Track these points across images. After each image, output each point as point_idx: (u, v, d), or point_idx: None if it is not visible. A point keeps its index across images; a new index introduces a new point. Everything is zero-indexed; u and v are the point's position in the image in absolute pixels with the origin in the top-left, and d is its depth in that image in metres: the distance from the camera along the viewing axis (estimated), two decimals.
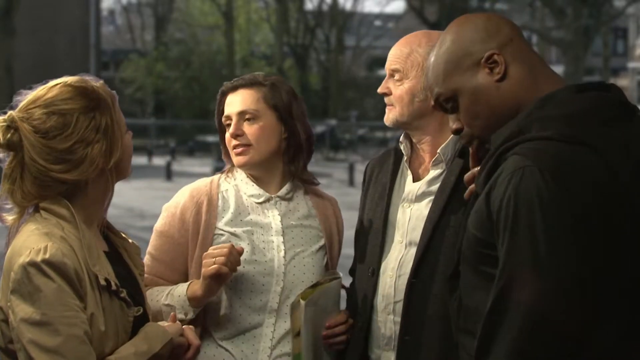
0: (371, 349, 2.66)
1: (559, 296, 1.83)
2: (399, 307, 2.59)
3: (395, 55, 2.64)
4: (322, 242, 2.73)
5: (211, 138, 25.36)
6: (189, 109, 36.29)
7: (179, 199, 2.70)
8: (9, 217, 2.15)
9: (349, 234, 2.81)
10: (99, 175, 2.14)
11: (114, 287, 2.10)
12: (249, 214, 2.68)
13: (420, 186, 2.66)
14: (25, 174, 2.10)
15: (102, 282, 2.07)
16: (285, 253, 2.65)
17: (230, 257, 2.49)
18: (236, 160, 2.68)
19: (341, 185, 16.20)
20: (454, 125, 2.12)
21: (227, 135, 2.69)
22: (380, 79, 2.75)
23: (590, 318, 1.86)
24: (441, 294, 2.51)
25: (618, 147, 1.92)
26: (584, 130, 1.91)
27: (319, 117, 31.07)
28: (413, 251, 2.60)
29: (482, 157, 2.10)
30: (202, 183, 2.73)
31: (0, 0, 20.17)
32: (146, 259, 2.69)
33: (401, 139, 2.72)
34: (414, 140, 2.70)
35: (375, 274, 2.65)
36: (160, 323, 2.24)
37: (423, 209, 2.62)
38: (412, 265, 2.57)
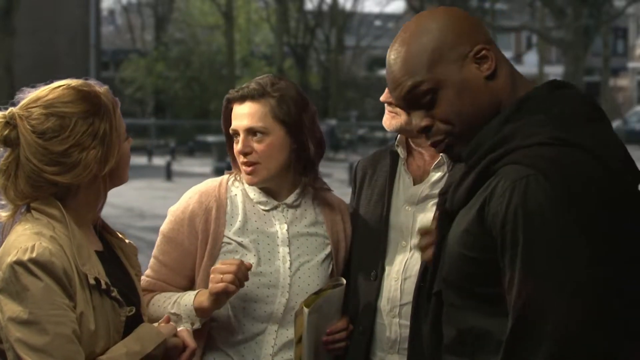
0: (374, 352, 2.66)
1: (587, 305, 1.76)
2: (405, 310, 2.59)
3: None
4: (328, 249, 2.71)
5: (211, 138, 25.32)
6: (189, 109, 36.25)
7: (187, 203, 2.66)
8: (3, 214, 2.15)
9: None
10: (92, 180, 2.13)
11: (103, 287, 2.10)
12: (255, 221, 2.66)
13: (422, 189, 2.65)
14: (19, 172, 2.10)
15: (92, 282, 2.07)
16: (290, 264, 2.63)
17: (238, 273, 2.46)
18: (246, 178, 2.64)
19: (341, 186, 16.18)
20: (423, 122, 1.95)
21: (235, 148, 2.65)
22: (380, 79, 2.75)
23: (615, 323, 1.79)
24: None
25: (603, 143, 1.88)
26: (571, 131, 1.86)
27: (319, 117, 30.92)
28: (418, 254, 2.59)
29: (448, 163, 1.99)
30: (210, 186, 2.69)
31: (0, 0, 20.16)
32: (152, 263, 2.68)
33: (397, 142, 2.72)
34: (413, 144, 2.70)
35: (378, 277, 2.64)
36: (154, 324, 2.23)
37: (427, 211, 2.62)
38: (420, 269, 2.57)
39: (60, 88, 2.14)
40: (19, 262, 2.00)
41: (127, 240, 2.34)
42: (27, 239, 2.04)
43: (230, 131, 2.66)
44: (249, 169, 2.61)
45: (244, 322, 2.60)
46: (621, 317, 1.80)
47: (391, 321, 2.62)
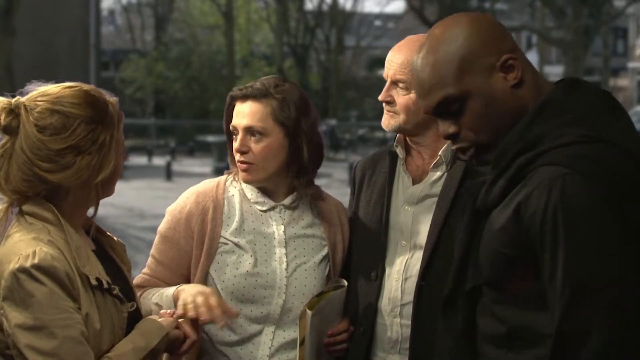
0: (374, 352, 2.67)
1: (629, 298, 1.82)
2: (406, 310, 2.60)
3: (400, 64, 2.62)
4: (325, 251, 2.71)
5: (211, 138, 25.30)
6: (189, 109, 36.23)
7: (185, 203, 2.67)
8: None
9: None
10: (82, 186, 2.13)
11: (105, 286, 2.10)
12: (252, 222, 2.66)
13: (422, 188, 2.66)
14: (12, 162, 2.10)
15: (94, 282, 2.07)
16: (287, 265, 2.63)
17: (213, 312, 2.37)
18: (241, 176, 2.65)
19: (341, 185, 16.18)
20: (450, 129, 2.02)
21: (233, 145, 2.66)
22: (380, 79, 2.74)
23: None
24: None
25: (630, 138, 1.94)
26: (599, 128, 1.91)
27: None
28: (418, 254, 2.61)
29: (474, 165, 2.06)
30: (208, 186, 2.70)
31: (0, 0, 20.16)
32: (149, 262, 2.69)
33: (395, 142, 2.72)
34: (412, 144, 2.70)
35: (378, 277, 2.64)
36: (154, 317, 2.25)
37: (426, 211, 2.63)
38: (420, 268, 2.58)
39: (72, 88, 2.14)
40: (21, 269, 1.99)
41: (115, 238, 2.35)
42: (26, 245, 2.04)
43: (230, 128, 2.66)
44: (245, 166, 2.63)
45: (240, 323, 2.60)
46: None
47: (392, 321, 2.63)
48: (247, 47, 39.43)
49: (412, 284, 2.60)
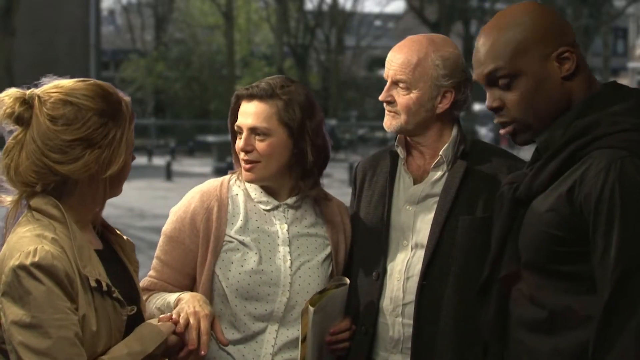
0: (376, 352, 2.67)
1: None
2: (408, 309, 2.60)
3: (401, 64, 2.62)
4: (328, 250, 2.72)
5: (211, 138, 25.31)
6: (189, 109, 36.25)
7: (189, 202, 2.67)
8: (7, 199, 2.15)
9: None
10: (91, 181, 2.13)
11: (105, 288, 2.10)
12: (256, 220, 2.67)
13: (423, 188, 2.66)
14: (23, 152, 2.10)
15: (93, 284, 2.07)
16: (291, 263, 2.63)
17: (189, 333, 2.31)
18: (244, 175, 2.65)
19: (341, 185, 16.19)
20: (494, 102, 2.14)
21: (237, 144, 2.66)
22: (380, 79, 2.75)
23: None
24: (453, 295, 2.54)
25: None
26: None
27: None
28: (420, 253, 2.61)
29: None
30: (212, 186, 2.71)
31: (0, 0, 20.17)
32: (155, 264, 2.69)
33: (396, 142, 2.73)
34: (413, 144, 2.71)
35: (380, 277, 2.65)
36: (153, 321, 2.23)
37: (427, 210, 2.64)
38: (422, 268, 2.58)
39: (86, 82, 2.15)
40: (21, 266, 2.00)
41: (124, 237, 2.34)
42: (29, 241, 2.04)
43: (235, 127, 2.67)
44: (248, 166, 2.63)
45: (244, 321, 2.61)
46: None
47: (394, 321, 2.63)
48: (247, 47, 39.44)
49: (413, 283, 2.60)
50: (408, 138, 2.71)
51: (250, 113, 2.61)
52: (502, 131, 2.20)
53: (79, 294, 2.04)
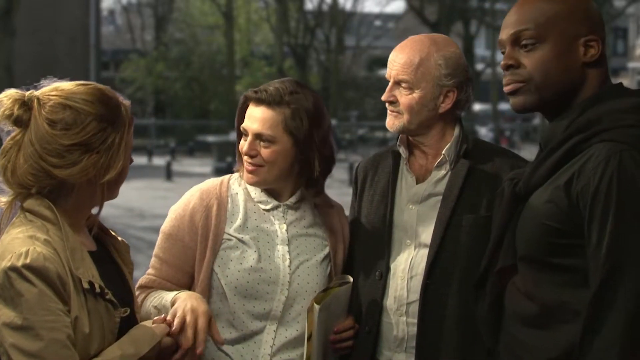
0: (380, 351, 2.66)
1: None
2: (412, 308, 2.60)
3: (403, 64, 2.62)
4: (326, 250, 2.71)
5: (211, 138, 25.33)
6: (189, 109, 36.26)
7: (189, 200, 2.67)
8: (2, 199, 2.14)
9: None
10: (88, 185, 2.11)
11: (97, 290, 2.08)
12: (255, 219, 2.66)
13: (426, 187, 2.66)
14: (20, 154, 2.09)
15: (86, 286, 2.06)
16: (290, 262, 2.63)
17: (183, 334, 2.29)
18: (246, 177, 2.64)
19: (341, 185, 16.21)
20: (510, 60, 2.16)
21: (242, 145, 2.64)
22: (380, 79, 2.75)
23: None
24: (457, 293, 2.54)
25: None
26: None
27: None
28: (423, 252, 2.61)
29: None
30: (212, 185, 2.70)
31: (0, 0, 20.16)
32: (154, 262, 2.68)
33: (398, 141, 2.72)
34: (415, 143, 2.71)
35: (383, 276, 2.65)
36: (147, 323, 2.22)
37: (430, 210, 2.64)
38: (425, 267, 2.59)
39: (86, 86, 2.13)
40: (12, 268, 1.98)
41: (119, 238, 2.33)
42: (21, 243, 2.02)
43: (241, 129, 2.66)
44: (252, 168, 2.62)
45: (242, 319, 2.60)
46: None
47: (398, 320, 2.63)
48: (247, 47, 39.44)
49: (417, 282, 2.60)
50: (410, 138, 2.71)
51: (256, 118, 2.60)
52: (506, 88, 2.21)
53: (71, 296, 2.03)
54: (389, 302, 2.64)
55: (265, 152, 2.60)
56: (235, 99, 30.08)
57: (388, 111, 2.68)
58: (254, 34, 40.89)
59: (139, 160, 23.15)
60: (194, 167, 23.64)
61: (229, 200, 2.67)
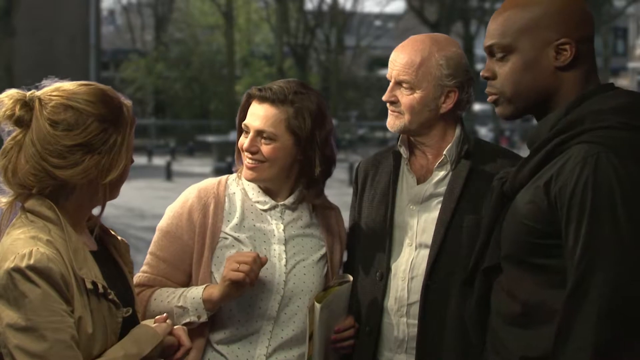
0: (380, 352, 2.66)
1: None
2: (413, 309, 2.60)
3: (404, 64, 2.62)
4: (323, 251, 2.71)
5: (211, 138, 25.34)
6: (189, 109, 36.29)
7: (187, 198, 2.67)
8: (2, 200, 2.13)
9: None
10: (89, 186, 2.10)
11: (101, 290, 2.08)
12: (252, 219, 2.66)
13: (427, 188, 2.66)
14: (21, 154, 2.08)
15: (89, 286, 2.05)
16: (286, 262, 2.63)
17: (253, 265, 2.46)
18: (245, 173, 2.65)
19: (341, 185, 16.21)
20: (486, 72, 2.19)
21: (243, 141, 2.65)
22: (380, 79, 2.76)
23: None
24: (458, 294, 2.54)
25: None
26: (635, 118, 2.02)
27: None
28: (424, 253, 2.61)
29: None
30: (209, 184, 2.70)
31: (0, 0, 20.17)
32: (149, 259, 2.67)
33: (399, 142, 2.72)
34: (416, 144, 2.70)
35: (384, 277, 2.64)
36: (148, 322, 2.21)
37: (431, 210, 2.63)
38: (426, 267, 2.58)
39: (88, 86, 2.12)
40: (16, 269, 1.97)
41: (119, 238, 2.33)
42: (23, 243, 2.01)
43: (243, 126, 2.66)
44: (252, 164, 2.62)
45: (238, 318, 2.60)
46: None
47: (399, 320, 2.63)
48: (247, 47, 39.44)
49: (418, 283, 2.60)
50: (411, 138, 2.70)
51: (259, 115, 2.60)
52: (488, 99, 2.23)
53: (74, 297, 2.02)
54: (390, 302, 2.63)
55: (266, 148, 2.60)
56: (235, 99, 30.12)
57: (389, 111, 2.67)
58: (254, 34, 40.89)
59: (139, 160, 23.16)
60: (193, 167, 23.64)
61: (227, 200, 2.67)
